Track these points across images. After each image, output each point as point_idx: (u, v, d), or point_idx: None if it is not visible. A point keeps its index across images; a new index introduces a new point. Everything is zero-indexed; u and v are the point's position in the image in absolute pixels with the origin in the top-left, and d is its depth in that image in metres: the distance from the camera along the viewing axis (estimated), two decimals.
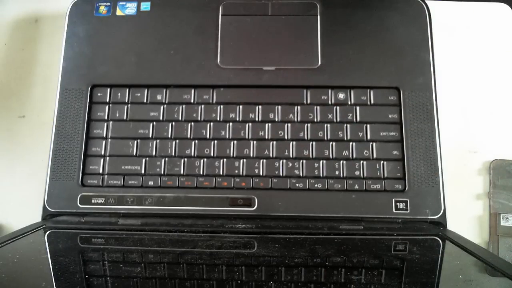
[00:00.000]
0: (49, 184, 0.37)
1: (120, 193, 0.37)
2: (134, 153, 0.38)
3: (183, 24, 0.41)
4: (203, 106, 0.39)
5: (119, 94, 0.39)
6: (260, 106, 0.39)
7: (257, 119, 0.39)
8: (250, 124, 0.39)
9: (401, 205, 0.36)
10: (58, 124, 0.38)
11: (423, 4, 0.41)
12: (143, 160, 0.38)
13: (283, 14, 0.41)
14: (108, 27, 0.41)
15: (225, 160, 0.38)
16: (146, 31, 0.41)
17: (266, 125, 0.39)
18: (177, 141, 0.39)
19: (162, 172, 0.38)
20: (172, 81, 0.39)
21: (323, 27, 0.40)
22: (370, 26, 0.40)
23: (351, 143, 0.38)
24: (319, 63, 0.39)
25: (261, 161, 0.38)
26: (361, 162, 0.38)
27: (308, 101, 0.39)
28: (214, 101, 0.39)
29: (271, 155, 0.38)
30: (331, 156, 0.38)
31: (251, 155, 0.38)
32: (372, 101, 0.39)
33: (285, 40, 0.40)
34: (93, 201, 0.37)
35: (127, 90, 0.40)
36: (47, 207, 0.37)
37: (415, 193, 0.36)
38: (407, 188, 0.37)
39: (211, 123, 0.39)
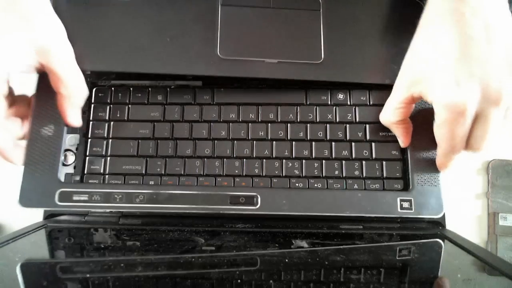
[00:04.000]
0: (22, 179, 0.35)
1: (105, 189, 0.35)
2: (135, 153, 0.38)
3: (181, 12, 0.39)
4: (203, 106, 0.39)
5: (119, 94, 0.40)
6: (260, 106, 0.39)
7: (257, 119, 0.39)
8: (250, 124, 0.39)
9: (405, 204, 0.36)
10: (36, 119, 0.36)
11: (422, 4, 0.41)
12: (144, 160, 0.38)
13: (285, 7, 0.40)
14: (101, 14, 0.39)
15: (225, 160, 0.38)
16: (142, 18, 0.39)
17: (266, 125, 0.39)
18: (177, 141, 0.39)
19: (163, 172, 0.38)
20: (168, 70, 0.38)
21: (325, 22, 0.40)
22: (373, 22, 0.40)
23: (350, 143, 0.38)
24: (322, 57, 0.39)
25: (261, 161, 0.38)
26: (361, 162, 0.38)
27: (308, 101, 0.39)
28: (214, 101, 0.40)
29: (271, 155, 0.38)
30: (331, 156, 0.38)
31: (251, 155, 0.38)
32: (371, 101, 0.39)
33: (288, 34, 0.39)
34: (74, 198, 0.35)
35: (128, 90, 0.40)
36: (20, 204, 0.34)
37: (418, 192, 0.36)
38: (411, 187, 0.36)
39: (211, 123, 0.39)
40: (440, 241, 0.34)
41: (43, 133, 0.35)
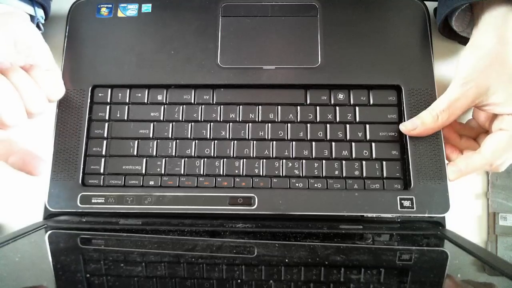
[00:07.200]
0: (50, 184, 0.37)
1: (120, 192, 0.37)
2: (135, 153, 0.38)
3: (184, 25, 0.41)
4: (203, 106, 0.39)
5: (119, 94, 0.40)
6: (260, 106, 0.39)
7: (257, 119, 0.39)
8: (250, 124, 0.39)
9: (406, 203, 0.36)
10: (59, 124, 0.39)
11: (422, 5, 0.41)
12: (144, 160, 0.38)
13: (283, 15, 0.41)
14: (109, 28, 0.41)
15: (225, 160, 0.38)
16: (147, 32, 0.41)
17: (266, 125, 0.39)
18: (177, 141, 0.39)
19: (163, 172, 0.38)
20: (172, 80, 0.40)
21: (323, 27, 0.41)
22: (370, 26, 0.40)
23: (350, 143, 0.38)
24: (319, 62, 0.40)
25: (261, 161, 0.38)
26: (361, 162, 0.38)
27: (308, 101, 0.39)
28: (214, 101, 0.40)
29: (271, 155, 0.38)
30: (331, 156, 0.38)
31: (251, 155, 0.38)
32: (371, 101, 0.39)
33: (285, 40, 0.41)
34: (93, 200, 0.37)
35: (128, 90, 0.40)
36: (47, 207, 0.37)
37: (421, 191, 0.36)
38: (412, 186, 0.36)
39: (211, 123, 0.39)
40: (440, 241, 0.34)
41: (65, 144, 0.38)
